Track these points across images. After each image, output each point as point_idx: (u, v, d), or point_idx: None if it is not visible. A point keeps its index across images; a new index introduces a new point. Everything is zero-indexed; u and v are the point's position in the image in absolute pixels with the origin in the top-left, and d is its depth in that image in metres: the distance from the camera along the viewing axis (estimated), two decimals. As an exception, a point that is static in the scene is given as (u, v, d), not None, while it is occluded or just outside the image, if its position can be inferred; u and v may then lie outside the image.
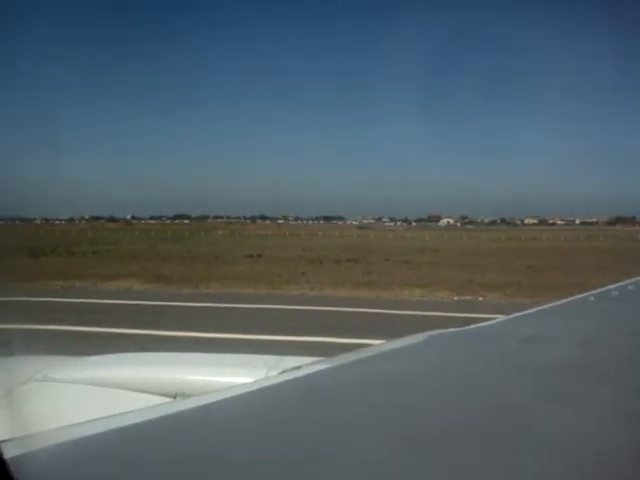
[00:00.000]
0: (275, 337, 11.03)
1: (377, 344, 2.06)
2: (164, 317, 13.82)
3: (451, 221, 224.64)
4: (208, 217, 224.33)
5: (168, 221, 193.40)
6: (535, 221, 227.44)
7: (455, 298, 17.70)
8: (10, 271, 23.61)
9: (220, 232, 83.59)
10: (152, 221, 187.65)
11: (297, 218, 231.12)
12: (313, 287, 19.83)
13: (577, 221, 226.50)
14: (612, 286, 3.63)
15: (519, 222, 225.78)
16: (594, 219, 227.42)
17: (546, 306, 3.01)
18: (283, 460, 0.95)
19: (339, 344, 10.17)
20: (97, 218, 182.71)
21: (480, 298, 17.64)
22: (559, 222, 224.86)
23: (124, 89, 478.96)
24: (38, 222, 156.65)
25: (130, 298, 16.94)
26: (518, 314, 2.72)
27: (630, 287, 3.61)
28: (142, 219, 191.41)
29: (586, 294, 3.33)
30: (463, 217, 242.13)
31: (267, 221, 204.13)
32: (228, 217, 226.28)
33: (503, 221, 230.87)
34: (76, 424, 1.07)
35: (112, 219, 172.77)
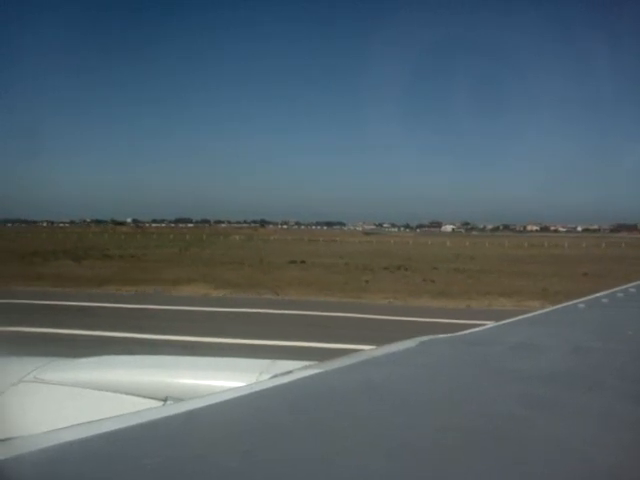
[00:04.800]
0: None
1: (368, 349, 1.98)
2: (290, 327, 13.19)
3: (454, 227, 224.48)
4: (209, 221, 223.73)
5: (172, 225, 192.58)
6: (537, 228, 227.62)
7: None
8: (69, 276, 23.12)
9: (237, 237, 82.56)
10: (155, 224, 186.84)
11: (298, 223, 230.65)
12: (396, 296, 19.14)
13: (579, 228, 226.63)
14: (601, 293, 3.62)
15: (521, 228, 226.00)
16: (595, 226, 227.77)
17: (536, 313, 3.00)
18: (274, 465, 0.94)
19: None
20: (99, 221, 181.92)
21: (579, 308, 16.97)
22: (561, 229, 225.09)
23: (123, 91, 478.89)
24: (44, 225, 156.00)
25: (225, 305, 16.26)
26: (508, 321, 2.70)
27: (619, 294, 3.58)
28: (144, 222, 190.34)
29: (576, 301, 3.31)
30: (465, 223, 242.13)
31: (270, 225, 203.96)
32: (229, 221, 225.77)
33: (506, 227, 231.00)
34: (66, 427, 1.06)
35: (117, 223, 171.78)
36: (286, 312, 15.12)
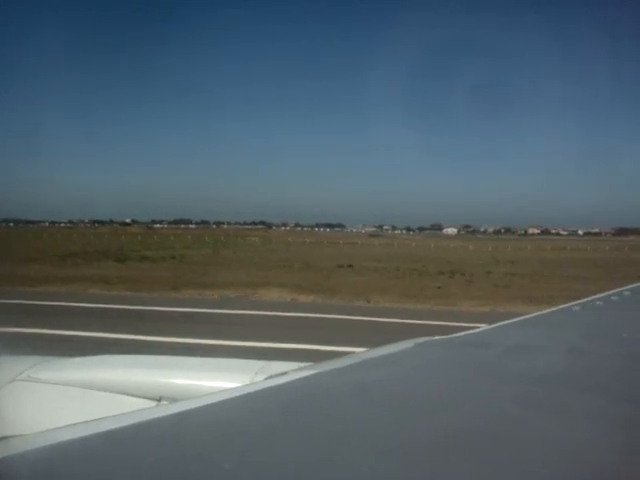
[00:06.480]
0: None
1: (363, 351, 1.95)
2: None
3: (458, 230, 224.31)
4: (208, 222, 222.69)
5: (173, 225, 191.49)
6: (538, 231, 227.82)
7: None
8: (131, 279, 22.30)
9: (255, 239, 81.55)
10: (156, 225, 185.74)
11: (298, 225, 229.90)
12: (489, 303, 18.29)
13: (580, 231, 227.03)
14: (596, 296, 3.62)
15: (522, 232, 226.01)
16: (596, 229, 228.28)
17: (531, 315, 3.00)
18: (268, 466, 0.94)
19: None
20: (99, 222, 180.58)
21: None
22: (562, 232, 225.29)
23: (123, 92, 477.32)
24: (47, 225, 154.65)
25: (342, 313, 15.30)
26: (503, 323, 2.66)
27: (614, 297, 3.55)
28: (146, 223, 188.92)
29: (571, 304, 3.30)
30: (466, 226, 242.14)
31: (273, 227, 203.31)
32: (229, 222, 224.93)
33: (507, 230, 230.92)
34: (59, 427, 1.05)
35: (123, 223, 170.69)
36: (411, 322, 14.20)
